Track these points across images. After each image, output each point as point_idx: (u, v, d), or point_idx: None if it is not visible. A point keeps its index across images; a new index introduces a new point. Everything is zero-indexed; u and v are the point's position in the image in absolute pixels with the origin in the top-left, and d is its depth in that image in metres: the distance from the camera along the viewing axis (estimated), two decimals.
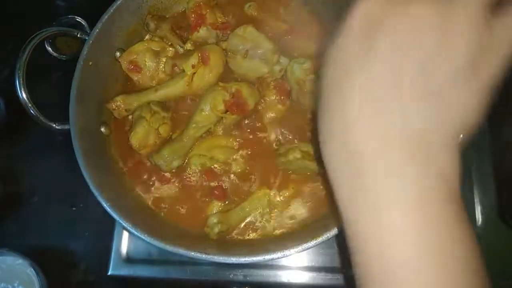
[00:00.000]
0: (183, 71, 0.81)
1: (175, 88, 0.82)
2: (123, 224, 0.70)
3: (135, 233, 0.70)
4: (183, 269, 0.88)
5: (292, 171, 0.82)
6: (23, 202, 0.99)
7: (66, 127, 0.75)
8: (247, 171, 0.83)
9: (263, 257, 0.69)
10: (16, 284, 0.79)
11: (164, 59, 0.86)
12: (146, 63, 0.86)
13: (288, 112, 0.85)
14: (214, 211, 0.81)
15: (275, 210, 0.81)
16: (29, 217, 0.97)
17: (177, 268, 0.88)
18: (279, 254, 0.69)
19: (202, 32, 0.87)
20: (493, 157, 0.92)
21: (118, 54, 0.86)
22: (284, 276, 0.88)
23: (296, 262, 0.89)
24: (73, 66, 0.79)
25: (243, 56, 0.82)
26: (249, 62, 0.82)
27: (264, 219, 0.81)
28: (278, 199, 0.82)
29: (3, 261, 0.80)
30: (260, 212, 0.81)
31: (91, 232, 0.95)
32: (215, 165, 0.83)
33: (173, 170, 0.82)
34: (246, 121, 0.84)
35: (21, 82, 0.74)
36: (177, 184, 0.84)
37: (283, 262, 0.89)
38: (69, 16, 1.01)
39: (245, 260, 0.70)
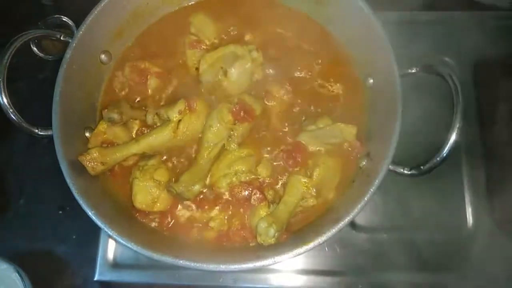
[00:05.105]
0: (168, 119, 0.77)
1: (159, 137, 0.78)
2: (109, 232, 0.69)
3: (121, 241, 0.68)
4: (171, 274, 0.87)
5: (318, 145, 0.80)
6: (8, 206, 0.97)
7: (49, 132, 0.73)
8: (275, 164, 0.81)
9: (254, 264, 0.68)
10: None
11: (135, 126, 0.83)
12: (118, 134, 0.81)
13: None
14: (259, 218, 0.75)
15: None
16: (15, 221, 0.95)
17: (166, 273, 0.87)
18: (269, 261, 0.68)
19: (152, 82, 0.85)
20: (484, 159, 0.92)
21: (103, 56, 0.84)
22: (274, 280, 0.87)
23: (287, 266, 0.88)
24: (59, 67, 0.76)
25: (225, 75, 0.81)
26: (234, 75, 0.81)
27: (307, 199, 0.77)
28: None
29: None
30: (302, 193, 0.76)
31: (78, 236, 0.93)
32: (242, 178, 0.79)
33: (197, 196, 0.78)
34: (257, 136, 0.82)
35: (2, 87, 0.71)
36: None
37: (273, 265, 0.87)
38: (56, 16, 0.99)
39: (234, 268, 0.68)
